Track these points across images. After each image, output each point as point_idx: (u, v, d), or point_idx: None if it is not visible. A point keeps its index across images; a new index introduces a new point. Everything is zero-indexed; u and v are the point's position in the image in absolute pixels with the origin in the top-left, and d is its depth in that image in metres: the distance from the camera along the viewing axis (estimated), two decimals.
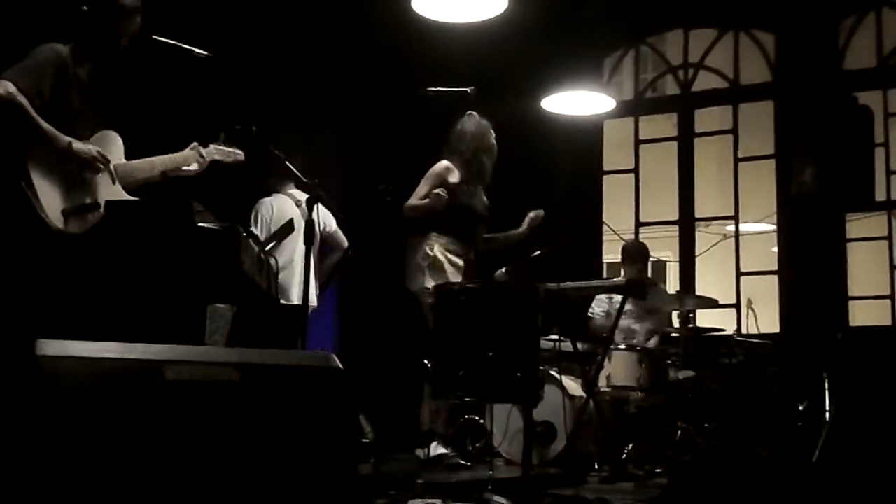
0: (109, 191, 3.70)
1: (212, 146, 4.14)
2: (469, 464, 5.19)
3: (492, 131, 5.46)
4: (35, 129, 3.47)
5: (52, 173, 3.51)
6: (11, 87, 3.43)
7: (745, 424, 5.98)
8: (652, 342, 6.53)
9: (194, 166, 4.04)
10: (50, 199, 3.47)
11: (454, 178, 5.33)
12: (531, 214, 5.66)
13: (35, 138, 3.48)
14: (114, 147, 3.80)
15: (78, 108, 3.67)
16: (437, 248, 5.24)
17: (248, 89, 6.14)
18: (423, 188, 5.30)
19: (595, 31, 8.53)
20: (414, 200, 5.28)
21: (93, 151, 3.63)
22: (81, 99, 3.70)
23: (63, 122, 3.57)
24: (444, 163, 5.36)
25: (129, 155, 3.88)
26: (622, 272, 6.99)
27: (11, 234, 3.45)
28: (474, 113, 5.41)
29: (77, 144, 3.58)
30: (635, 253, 6.94)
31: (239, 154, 4.25)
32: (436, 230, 5.29)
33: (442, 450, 5.26)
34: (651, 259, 7.38)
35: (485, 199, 5.49)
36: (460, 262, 5.28)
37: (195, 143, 4.08)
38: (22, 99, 3.44)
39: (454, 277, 5.16)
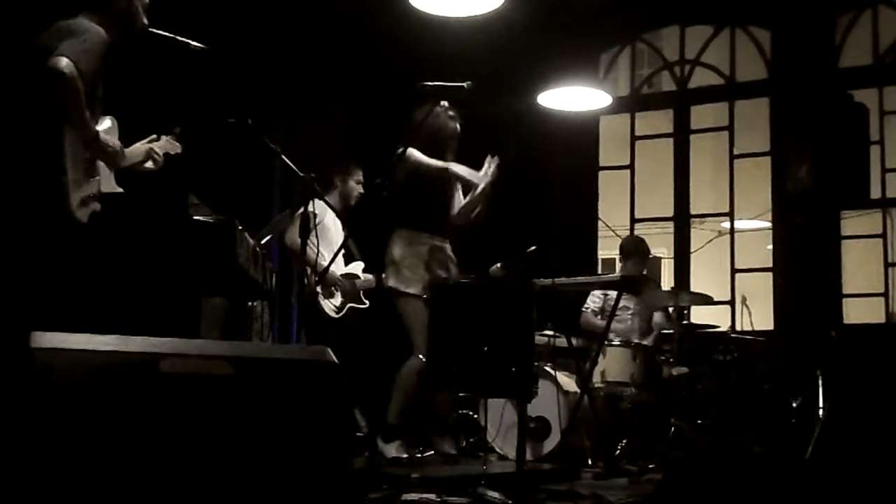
0: (107, 181, 3.67)
1: (164, 138, 4.03)
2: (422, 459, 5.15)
3: (438, 108, 5.20)
4: (79, 114, 3.34)
5: (78, 160, 3.43)
6: (74, 69, 3.27)
7: (739, 421, 5.99)
8: (649, 339, 6.53)
9: (149, 164, 3.92)
10: (74, 187, 3.40)
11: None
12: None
13: (74, 123, 3.37)
14: (114, 136, 3.72)
15: (101, 94, 3.61)
16: (397, 245, 5.22)
17: (245, 83, 6.13)
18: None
19: (591, 27, 8.52)
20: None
21: (117, 146, 3.55)
22: (103, 84, 3.65)
23: (90, 108, 3.46)
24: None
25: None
26: (619, 268, 6.99)
27: (34, 221, 3.39)
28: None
29: (103, 136, 3.49)
30: (633, 248, 6.94)
31: (178, 147, 4.09)
32: (400, 224, 5.25)
33: (402, 453, 5.14)
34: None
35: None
36: (421, 250, 5.20)
37: (153, 137, 3.97)
38: (80, 83, 3.30)
39: (412, 271, 5.13)
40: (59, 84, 3.26)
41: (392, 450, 5.10)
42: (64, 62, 3.26)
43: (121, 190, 3.77)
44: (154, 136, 3.99)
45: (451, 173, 5.23)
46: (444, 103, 5.15)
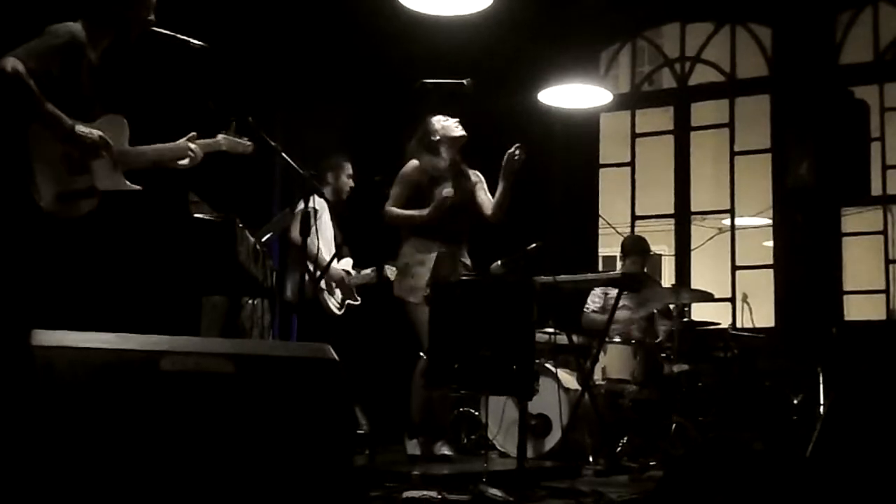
0: (109, 177, 3.65)
1: (220, 136, 4.04)
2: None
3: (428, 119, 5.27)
4: (40, 110, 3.41)
5: (52, 156, 3.45)
6: (20, 67, 3.34)
7: (740, 418, 5.98)
8: (652, 336, 6.52)
9: (185, 161, 3.92)
10: (46, 181, 3.41)
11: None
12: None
13: (39, 119, 3.42)
14: (120, 133, 3.71)
15: (88, 92, 3.62)
16: (406, 254, 5.20)
17: (245, 80, 6.13)
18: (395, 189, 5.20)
19: (592, 25, 8.52)
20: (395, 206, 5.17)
21: (95, 136, 3.55)
22: (91, 82, 3.65)
23: (72, 105, 3.50)
24: (413, 162, 5.23)
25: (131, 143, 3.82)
26: (619, 265, 6.99)
27: (5, 217, 3.41)
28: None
29: (80, 128, 3.51)
30: (633, 246, 6.93)
31: (248, 145, 4.12)
32: (412, 232, 5.21)
33: (447, 451, 5.14)
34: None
35: (466, 183, 5.34)
36: (429, 259, 5.15)
37: (193, 134, 3.98)
38: (29, 79, 3.36)
39: (418, 278, 5.10)
40: (3, 82, 3.33)
41: (413, 446, 5.12)
42: (9, 61, 3.34)
43: (137, 187, 3.74)
44: (193, 133, 3.98)
45: (434, 215, 5.13)
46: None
